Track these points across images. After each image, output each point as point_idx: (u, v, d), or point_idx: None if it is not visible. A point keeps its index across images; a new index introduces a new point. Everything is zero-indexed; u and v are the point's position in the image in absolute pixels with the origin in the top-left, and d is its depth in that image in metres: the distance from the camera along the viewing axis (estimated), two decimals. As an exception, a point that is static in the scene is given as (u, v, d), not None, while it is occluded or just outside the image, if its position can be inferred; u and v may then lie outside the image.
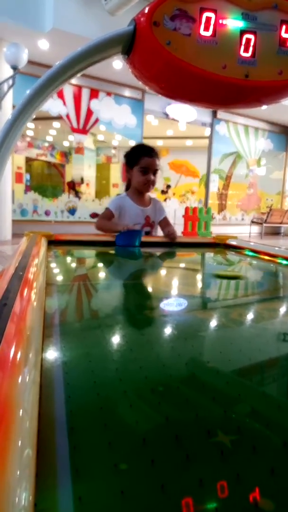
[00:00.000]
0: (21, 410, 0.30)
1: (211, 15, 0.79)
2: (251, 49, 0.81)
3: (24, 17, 5.67)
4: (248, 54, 0.81)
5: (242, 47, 0.80)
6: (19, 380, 0.34)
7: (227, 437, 0.37)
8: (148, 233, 2.10)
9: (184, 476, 0.32)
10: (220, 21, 0.80)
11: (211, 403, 0.45)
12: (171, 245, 1.92)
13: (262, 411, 0.44)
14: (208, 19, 0.79)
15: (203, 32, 0.79)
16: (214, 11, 0.79)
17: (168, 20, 0.77)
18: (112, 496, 0.29)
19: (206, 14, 0.79)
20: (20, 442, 0.27)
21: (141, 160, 1.98)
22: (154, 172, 2.01)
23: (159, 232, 2.19)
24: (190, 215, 7.65)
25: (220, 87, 0.83)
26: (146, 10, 0.77)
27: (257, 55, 0.81)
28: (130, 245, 1.73)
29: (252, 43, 0.81)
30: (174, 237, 1.94)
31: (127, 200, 2.08)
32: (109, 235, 1.89)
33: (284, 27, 0.83)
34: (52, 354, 0.54)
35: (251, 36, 0.81)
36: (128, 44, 0.79)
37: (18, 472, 0.24)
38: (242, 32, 0.81)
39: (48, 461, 0.31)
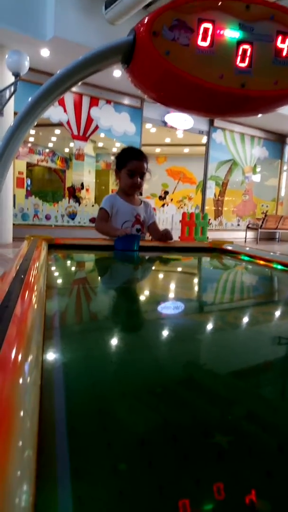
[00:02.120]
0: (22, 411, 0.30)
1: (209, 25, 0.80)
2: (247, 59, 0.81)
3: (25, 25, 5.71)
4: (245, 64, 0.82)
5: (239, 58, 0.81)
6: (20, 382, 0.35)
7: (224, 438, 0.37)
8: (138, 231, 2.12)
9: (182, 477, 0.32)
10: (218, 32, 0.80)
11: (208, 405, 0.45)
12: (169, 249, 1.92)
13: (258, 413, 0.45)
14: (206, 30, 0.79)
15: (201, 43, 0.80)
16: (212, 21, 0.80)
17: (167, 30, 0.78)
18: (111, 496, 0.29)
19: (204, 25, 0.79)
20: (20, 442, 0.27)
21: (128, 163, 2.00)
22: (141, 175, 2.03)
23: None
24: (187, 221, 7.69)
25: (217, 97, 0.84)
26: (146, 20, 0.78)
27: (254, 65, 0.82)
28: (129, 249, 1.74)
29: (248, 53, 0.81)
30: (169, 236, 2.04)
31: (118, 198, 2.12)
32: (108, 239, 1.90)
33: (280, 37, 0.83)
34: (52, 356, 0.54)
35: (248, 47, 0.81)
36: (128, 53, 0.80)
37: (19, 473, 0.24)
38: (239, 42, 0.81)
39: (48, 461, 0.31)
